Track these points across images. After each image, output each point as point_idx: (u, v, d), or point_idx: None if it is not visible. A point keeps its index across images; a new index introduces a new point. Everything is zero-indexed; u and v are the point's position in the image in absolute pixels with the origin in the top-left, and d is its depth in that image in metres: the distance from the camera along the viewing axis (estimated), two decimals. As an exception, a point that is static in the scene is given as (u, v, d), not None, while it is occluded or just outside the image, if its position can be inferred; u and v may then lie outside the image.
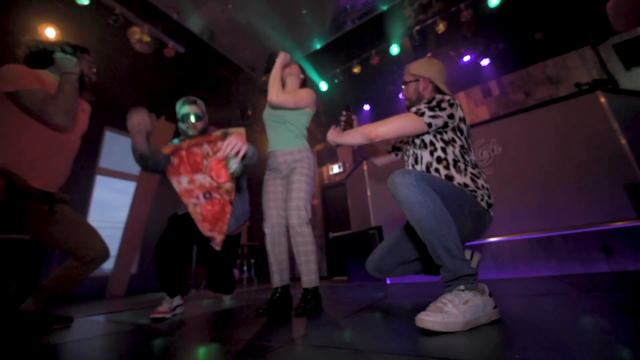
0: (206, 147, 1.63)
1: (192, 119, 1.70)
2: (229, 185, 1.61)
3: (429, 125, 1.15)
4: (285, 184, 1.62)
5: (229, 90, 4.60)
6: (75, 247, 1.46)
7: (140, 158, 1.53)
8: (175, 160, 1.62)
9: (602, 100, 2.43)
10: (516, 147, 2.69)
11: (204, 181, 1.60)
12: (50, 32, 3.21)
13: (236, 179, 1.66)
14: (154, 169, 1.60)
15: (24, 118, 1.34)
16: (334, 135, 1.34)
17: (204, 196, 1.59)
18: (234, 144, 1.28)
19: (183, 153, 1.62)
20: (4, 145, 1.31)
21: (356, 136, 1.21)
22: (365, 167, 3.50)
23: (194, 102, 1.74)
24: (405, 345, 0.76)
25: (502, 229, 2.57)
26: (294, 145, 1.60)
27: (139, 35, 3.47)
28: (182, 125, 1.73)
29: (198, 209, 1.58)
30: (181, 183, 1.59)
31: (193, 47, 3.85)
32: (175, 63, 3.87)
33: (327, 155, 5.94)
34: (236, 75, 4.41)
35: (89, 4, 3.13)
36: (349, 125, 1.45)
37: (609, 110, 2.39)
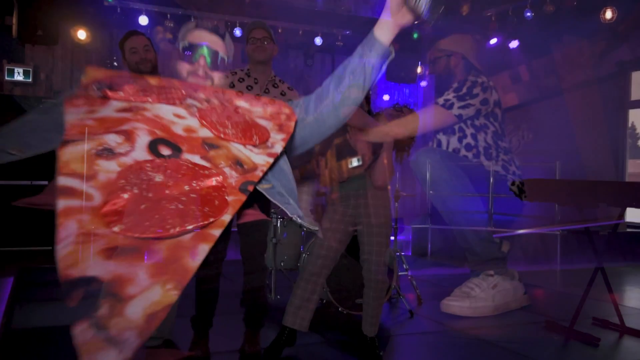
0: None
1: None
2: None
3: (459, 117, 1.08)
4: None
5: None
6: None
7: None
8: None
9: (649, 78, 2.22)
10: (549, 133, 2.53)
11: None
12: (81, 34, 3.39)
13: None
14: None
15: None
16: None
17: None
18: None
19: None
20: None
21: (380, 136, 1.19)
22: (385, 161, 3.43)
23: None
24: (429, 325, 0.74)
25: (535, 220, 2.43)
26: None
27: (162, 34, 3.59)
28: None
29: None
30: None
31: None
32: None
33: (345, 148, 5.88)
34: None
35: (116, 5, 3.27)
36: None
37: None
